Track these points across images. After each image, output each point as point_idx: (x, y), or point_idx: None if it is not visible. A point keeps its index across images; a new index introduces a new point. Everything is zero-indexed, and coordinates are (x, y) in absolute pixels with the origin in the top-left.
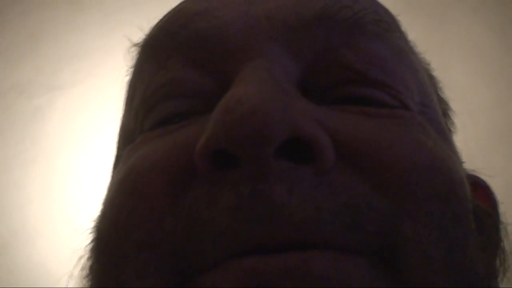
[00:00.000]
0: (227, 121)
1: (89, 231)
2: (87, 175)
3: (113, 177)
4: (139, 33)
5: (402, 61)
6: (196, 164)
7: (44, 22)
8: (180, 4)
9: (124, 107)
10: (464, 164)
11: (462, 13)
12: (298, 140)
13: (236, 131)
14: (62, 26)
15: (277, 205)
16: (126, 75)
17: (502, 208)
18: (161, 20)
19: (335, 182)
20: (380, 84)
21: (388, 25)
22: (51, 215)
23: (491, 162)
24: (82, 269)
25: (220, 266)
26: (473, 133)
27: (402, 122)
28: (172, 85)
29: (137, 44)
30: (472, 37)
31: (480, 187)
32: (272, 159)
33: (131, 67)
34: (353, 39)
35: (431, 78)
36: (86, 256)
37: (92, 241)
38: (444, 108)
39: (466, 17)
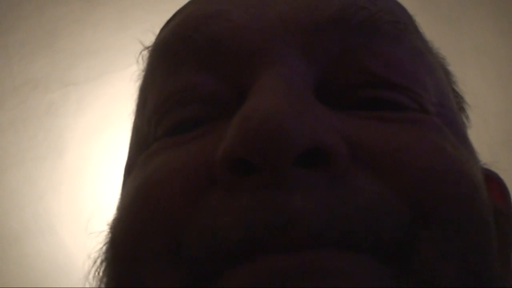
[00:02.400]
0: (246, 131)
1: (103, 233)
2: (100, 171)
3: (128, 183)
4: (154, 31)
5: (420, 62)
6: (215, 173)
7: (59, 18)
8: (190, 5)
9: (136, 112)
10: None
11: (477, 18)
12: (316, 148)
13: (254, 141)
14: (77, 22)
15: (292, 211)
16: (139, 75)
17: None
18: (170, 22)
19: (352, 186)
20: (398, 87)
21: (405, 26)
22: (63, 210)
23: (504, 167)
24: (96, 271)
25: (238, 266)
26: (486, 138)
27: (420, 127)
28: (186, 91)
29: (148, 47)
30: (486, 42)
31: (493, 181)
32: (289, 167)
33: (142, 71)
34: (370, 41)
35: (447, 73)
36: (100, 258)
37: (106, 246)
38: (459, 102)
39: (481, 22)
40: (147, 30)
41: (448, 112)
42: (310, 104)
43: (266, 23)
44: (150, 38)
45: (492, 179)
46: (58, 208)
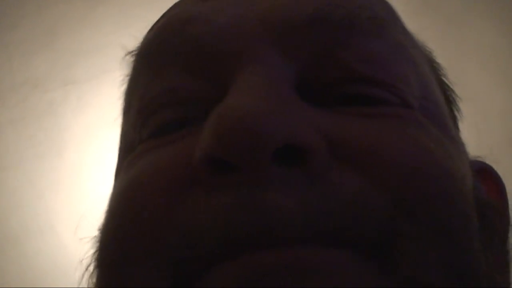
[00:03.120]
0: (219, 130)
1: (94, 240)
2: (100, 170)
3: (114, 187)
4: None
5: (401, 57)
6: (196, 172)
7: (59, 17)
8: (173, 9)
9: (122, 116)
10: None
11: (479, 18)
12: (293, 145)
13: (228, 140)
14: (77, 21)
15: (272, 209)
16: (123, 80)
17: None
18: (154, 26)
19: (331, 182)
20: (379, 82)
21: (384, 21)
22: (62, 209)
23: (506, 166)
24: (88, 275)
25: (220, 265)
26: (487, 137)
27: (401, 121)
28: (168, 94)
29: (132, 52)
30: (488, 42)
31: (488, 174)
32: (266, 165)
33: (126, 76)
34: (349, 38)
35: (433, 66)
36: (92, 264)
37: (95, 251)
38: (449, 95)
39: (483, 22)
40: (147, 29)
41: (431, 105)
42: (288, 101)
43: (245, 23)
44: None
45: (487, 173)
46: (57, 207)
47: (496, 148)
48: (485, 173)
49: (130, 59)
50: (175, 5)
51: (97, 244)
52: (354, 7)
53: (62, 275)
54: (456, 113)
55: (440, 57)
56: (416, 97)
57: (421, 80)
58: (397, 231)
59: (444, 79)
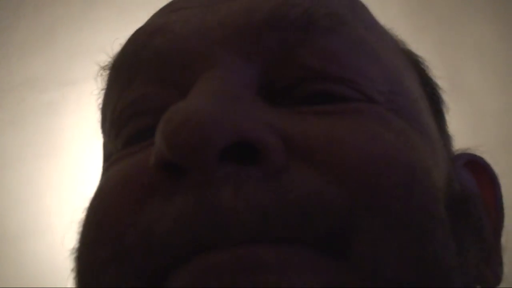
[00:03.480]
0: (167, 134)
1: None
2: (98, 170)
3: None
4: None
5: (360, 51)
6: (153, 178)
7: (57, 18)
8: (146, 22)
9: (100, 129)
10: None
11: (476, 18)
12: (244, 143)
13: (175, 142)
14: (76, 21)
15: (223, 209)
16: (99, 93)
17: (510, 213)
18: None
19: (286, 180)
20: (338, 79)
21: (342, 17)
22: (62, 210)
23: (501, 166)
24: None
25: (177, 268)
26: (484, 137)
27: (362, 117)
28: (137, 103)
29: (105, 67)
30: (485, 42)
31: (478, 166)
32: (214, 164)
33: (101, 90)
34: (306, 37)
35: (412, 59)
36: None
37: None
38: (432, 88)
39: (480, 22)
40: None
41: (400, 98)
42: (242, 102)
43: (206, 30)
44: None
45: (479, 165)
46: (56, 207)
47: (492, 148)
48: (475, 165)
49: (104, 73)
50: (148, 19)
51: (74, 253)
52: (310, 5)
53: (61, 275)
54: (441, 105)
55: (438, 57)
56: (381, 91)
57: (387, 74)
58: (355, 226)
59: (427, 72)
